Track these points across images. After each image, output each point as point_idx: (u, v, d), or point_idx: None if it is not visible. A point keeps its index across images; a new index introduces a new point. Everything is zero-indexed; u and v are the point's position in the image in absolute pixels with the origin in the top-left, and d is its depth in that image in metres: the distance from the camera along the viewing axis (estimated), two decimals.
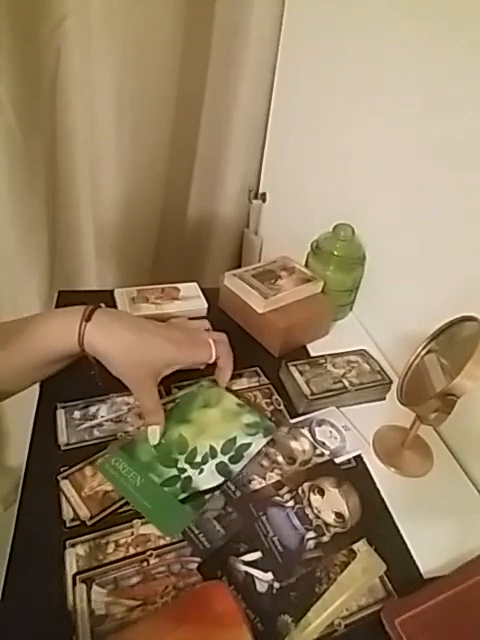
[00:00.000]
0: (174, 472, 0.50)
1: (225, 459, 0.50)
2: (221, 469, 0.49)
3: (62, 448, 0.54)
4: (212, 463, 0.50)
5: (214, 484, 0.49)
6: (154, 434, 0.53)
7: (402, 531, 0.51)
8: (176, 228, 1.21)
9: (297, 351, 0.74)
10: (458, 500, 0.56)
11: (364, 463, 0.58)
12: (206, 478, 0.49)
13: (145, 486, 0.49)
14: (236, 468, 0.49)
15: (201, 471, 0.49)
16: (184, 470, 0.50)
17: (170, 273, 1.27)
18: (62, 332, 0.48)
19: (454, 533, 0.52)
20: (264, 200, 1.18)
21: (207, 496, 0.48)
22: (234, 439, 0.51)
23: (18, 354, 0.48)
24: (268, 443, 0.57)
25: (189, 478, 0.49)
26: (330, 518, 0.50)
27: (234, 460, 0.50)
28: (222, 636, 0.38)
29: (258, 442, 0.51)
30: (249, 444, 0.51)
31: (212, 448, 0.51)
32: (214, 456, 0.50)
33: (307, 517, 0.50)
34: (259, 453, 0.56)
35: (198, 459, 0.50)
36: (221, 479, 0.49)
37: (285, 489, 0.52)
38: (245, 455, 0.50)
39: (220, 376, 0.59)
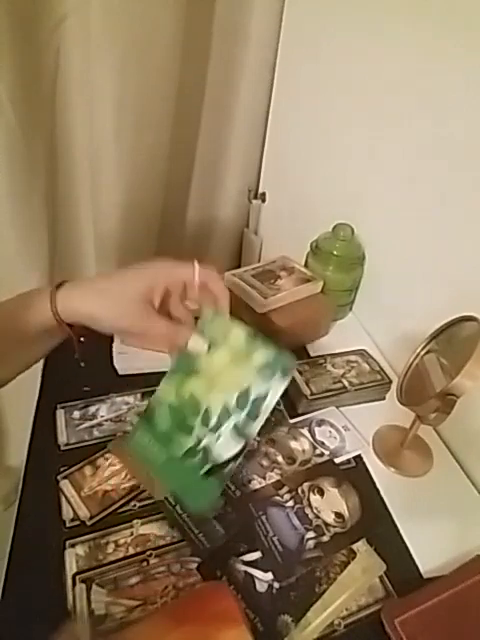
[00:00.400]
0: (191, 442, 0.46)
1: (241, 417, 0.45)
2: (240, 430, 0.45)
3: (62, 448, 0.54)
4: (229, 424, 0.45)
5: (234, 451, 0.45)
6: (195, 344, 0.48)
7: (402, 531, 0.51)
8: (176, 228, 1.21)
9: (297, 351, 0.74)
10: (458, 500, 0.56)
11: (364, 463, 0.58)
12: (225, 445, 0.45)
13: (168, 463, 0.47)
14: (255, 426, 0.45)
15: (219, 436, 0.46)
16: (200, 439, 0.46)
17: None
18: (34, 305, 0.46)
19: (454, 533, 0.52)
20: (264, 200, 1.18)
21: (230, 465, 0.45)
22: (248, 390, 0.45)
23: None
24: (267, 443, 0.57)
25: (207, 449, 0.46)
26: (330, 518, 0.50)
27: (252, 416, 0.45)
28: (222, 636, 0.38)
29: (276, 388, 0.45)
30: (265, 395, 0.45)
31: (226, 405, 0.46)
32: (229, 415, 0.46)
33: (307, 517, 0.50)
34: (259, 453, 0.56)
35: (213, 421, 0.46)
36: (240, 444, 0.45)
37: (285, 489, 0.52)
38: (263, 407, 0.45)
39: (219, 305, 0.51)
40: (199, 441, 0.46)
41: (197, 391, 0.47)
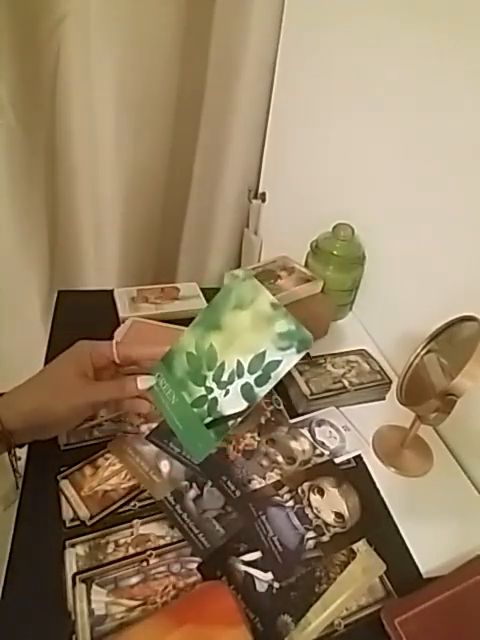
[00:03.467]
0: (202, 391, 0.49)
1: (251, 380, 0.47)
2: (246, 392, 0.47)
3: (62, 448, 0.54)
4: (238, 384, 0.47)
5: (237, 409, 0.47)
6: (145, 383, 0.51)
7: (402, 531, 0.51)
8: (176, 228, 1.22)
9: None
10: (458, 500, 0.56)
11: (364, 463, 0.58)
12: (231, 401, 0.47)
13: (178, 405, 0.50)
14: (261, 392, 0.46)
15: (227, 392, 0.48)
16: (211, 390, 0.49)
17: (170, 273, 1.27)
18: None
19: (454, 533, 0.52)
20: (264, 200, 1.18)
21: (230, 422, 0.47)
22: (263, 354, 0.46)
23: None
24: (268, 443, 0.57)
25: (215, 400, 0.48)
26: (330, 518, 0.50)
27: (260, 382, 0.46)
28: (222, 636, 0.38)
29: (289, 359, 0.45)
30: (279, 362, 0.46)
31: (239, 365, 0.47)
32: (240, 375, 0.47)
33: (307, 517, 0.50)
34: (259, 453, 0.56)
35: (225, 377, 0.48)
36: (245, 404, 0.46)
37: (285, 489, 0.52)
38: (272, 376, 0.46)
39: (153, 361, 0.53)
40: (209, 392, 0.48)
41: (217, 344, 0.49)
